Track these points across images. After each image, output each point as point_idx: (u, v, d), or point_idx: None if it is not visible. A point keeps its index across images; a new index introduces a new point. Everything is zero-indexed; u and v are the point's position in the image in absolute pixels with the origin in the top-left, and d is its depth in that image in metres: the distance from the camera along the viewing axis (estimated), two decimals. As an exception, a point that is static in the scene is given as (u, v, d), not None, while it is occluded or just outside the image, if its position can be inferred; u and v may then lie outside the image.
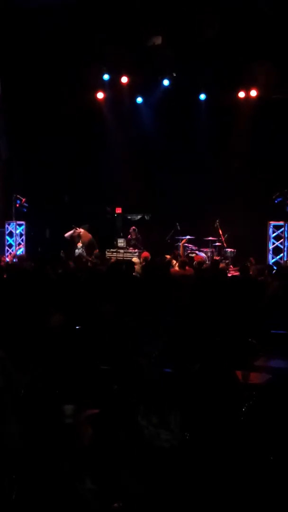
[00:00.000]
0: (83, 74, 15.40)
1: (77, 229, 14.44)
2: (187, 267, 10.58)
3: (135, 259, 12.69)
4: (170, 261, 12.06)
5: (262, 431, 3.96)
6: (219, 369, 4.01)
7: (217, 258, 14.40)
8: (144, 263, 11.81)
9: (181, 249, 14.64)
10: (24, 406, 3.70)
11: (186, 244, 15.27)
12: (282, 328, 6.21)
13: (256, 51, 13.55)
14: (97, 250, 14.24)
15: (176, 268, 11.12)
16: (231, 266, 13.94)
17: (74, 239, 14.48)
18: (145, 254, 12.75)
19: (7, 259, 13.69)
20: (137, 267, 11.17)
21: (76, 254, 13.99)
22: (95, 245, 14.48)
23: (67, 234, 14.56)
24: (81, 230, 14.45)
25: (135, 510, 3.30)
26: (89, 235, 14.48)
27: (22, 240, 16.26)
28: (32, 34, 13.94)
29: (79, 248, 14.26)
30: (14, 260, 13.94)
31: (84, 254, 14.00)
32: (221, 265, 11.56)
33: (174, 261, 12.43)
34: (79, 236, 14.42)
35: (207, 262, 13.52)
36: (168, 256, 13.09)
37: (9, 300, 5.91)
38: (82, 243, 14.32)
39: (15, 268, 10.44)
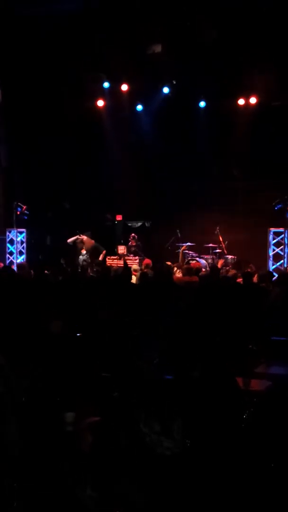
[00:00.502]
0: (83, 82, 15.49)
1: (80, 236, 14.45)
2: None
3: (135, 267, 12.69)
4: (172, 267, 12.03)
5: (263, 438, 3.95)
6: (220, 376, 4.00)
7: (222, 261, 14.35)
8: (146, 270, 11.80)
9: (180, 256, 14.64)
10: (24, 413, 3.69)
11: (187, 251, 15.29)
12: (282, 334, 6.20)
13: (256, 58, 13.61)
14: (104, 252, 14.29)
15: (178, 275, 11.10)
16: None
17: (77, 245, 14.50)
18: (147, 261, 12.75)
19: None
20: (136, 274, 11.17)
21: (81, 261, 14.02)
22: (100, 249, 14.49)
23: (69, 240, 14.57)
24: (84, 236, 14.47)
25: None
26: (92, 241, 14.49)
27: (23, 248, 16.28)
28: (33, 42, 14.01)
29: (83, 255, 14.27)
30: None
31: (89, 260, 14.02)
32: (232, 271, 11.44)
33: (176, 268, 12.42)
34: (82, 242, 14.44)
35: (207, 268, 13.51)
36: (169, 263, 13.08)
37: (8, 307, 5.91)
38: (85, 249, 14.34)
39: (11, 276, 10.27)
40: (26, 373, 4.06)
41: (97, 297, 6.98)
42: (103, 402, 4.06)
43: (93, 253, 14.32)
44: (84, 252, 14.30)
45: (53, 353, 4.62)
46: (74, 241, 14.48)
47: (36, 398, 3.97)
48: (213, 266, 12.93)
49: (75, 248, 14.51)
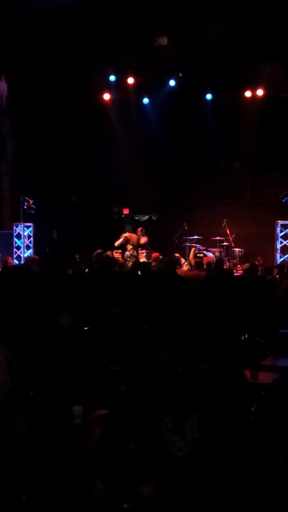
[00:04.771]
0: (89, 75, 15.46)
1: (123, 235, 14.47)
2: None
3: (143, 260, 12.70)
4: (179, 259, 12.01)
5: (271, 430, 3.95)
6: (228, 369, 4.00)
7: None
8: (154, 263, 11.81)
9: (191, 253, 14.62)
10: (33, 407, 3.71)
11: (194, 244, 15.25)
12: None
13: (262, 50, 13.54)
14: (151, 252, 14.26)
15: (184, 268, 11.09)
16: (238, 266, 13.91)
17: (124, 245, 14.54)
18: (156, 254, 12.76)
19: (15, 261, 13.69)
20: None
21: (127, 257, 14.06)
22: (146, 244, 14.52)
23: (117, 243, 14.55)
24: (127, 234, 14.49)
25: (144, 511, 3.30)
26: (135, 235, 14.55)
27: (30, 242, 16.31)
28: (38, 36, 13.98)
29: (129, 250, 14.29)
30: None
31: (135, 254, 14.07)
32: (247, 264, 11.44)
33: (183, 260, 12.40)
34: (126, 239, 14.45)
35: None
36: (177, 254, 13.07)
37: (16, 302, 5.92)
38: (131, 245, 14.36)
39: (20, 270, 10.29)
40: (34, 368, 4.07)
41: (105, 292, 6.98)
42: (111, 396, 4.08)
43: (138, 247, 14.39)
44: (129, 247, 14.31)
45: (61, 347, 4.64)
46: (121, 243, 14.46)
47: (44, 392, 3.99)
48: (218, 260, 12.93)
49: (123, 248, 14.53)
